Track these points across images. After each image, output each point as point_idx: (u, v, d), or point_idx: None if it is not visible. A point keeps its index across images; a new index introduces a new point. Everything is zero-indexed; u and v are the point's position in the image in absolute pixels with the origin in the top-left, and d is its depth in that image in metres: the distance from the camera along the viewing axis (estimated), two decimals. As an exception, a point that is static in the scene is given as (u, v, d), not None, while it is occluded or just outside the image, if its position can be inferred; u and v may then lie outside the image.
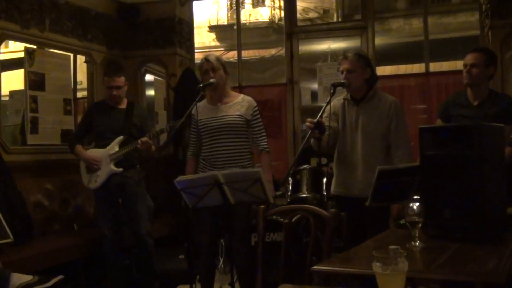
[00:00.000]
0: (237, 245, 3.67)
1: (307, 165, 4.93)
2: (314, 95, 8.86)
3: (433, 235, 2.34)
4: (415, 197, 2.28)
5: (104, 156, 4.41)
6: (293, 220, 2.84)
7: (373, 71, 3.65)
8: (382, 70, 9.21)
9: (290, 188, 4.87)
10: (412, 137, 3.56)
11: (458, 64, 8.46)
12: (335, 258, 2.26)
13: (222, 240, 4.33)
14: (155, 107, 6.50)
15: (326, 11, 13.33)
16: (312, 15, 12.94)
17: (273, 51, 12.79)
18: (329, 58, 11.20)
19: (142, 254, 4.56)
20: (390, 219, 3.48)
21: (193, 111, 3.84)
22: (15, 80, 5.91)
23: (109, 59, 5.97)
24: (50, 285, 3.26)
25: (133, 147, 4.33)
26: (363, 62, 3.55)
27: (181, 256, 5.15)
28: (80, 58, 5.83)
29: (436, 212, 2.33)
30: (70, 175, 4.73)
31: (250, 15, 14.12)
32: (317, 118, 3.32)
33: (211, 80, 3.74)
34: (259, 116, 3.85)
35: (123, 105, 4.57)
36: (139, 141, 4.27)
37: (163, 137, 5.57)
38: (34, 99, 5.02)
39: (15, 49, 6.14)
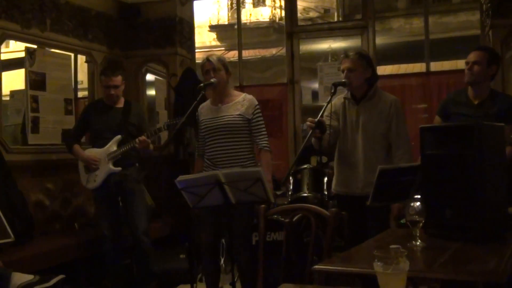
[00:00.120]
0: (238, 244, 3.67)
1: (308, 165, 4.93)
2: (314, 94, 8.87)
3: (434, 234, 2.34)
4: (416, 196, 2.28)
5: (103, 156, 4.40)
6: (294, 219, 2.84)
7: (374, 71, 3.65)
8: (383, 70, 9.22)
9: (291, 187, 4.87)
10: (412, 137, 3.56)
11: (458, 64, 8.50)
12: (336, 257, 2.26)
13: (223, 240, 4.33)
14: (156, 107, 6.50)
15: (326, 11, 13.32)
16: (312, 14, 12.93)
17: (273, 51, 12.79)
18: (329, 58, 11.20)
19: (138, 253, 4.52)
20: (391, 219, 3.48)
21: (198, 112, 3.88)
22: (16, 80, 5.93)
23: (109, 59, 5.97)
24: (51, 284, 3.26)
25: (131, 146, 4.32)
26: (364, 61, 3.55)
27: (182, 256, 5.16)
28: (81, 58, 5.84)
29: (437, 212, 2.33)
30: (71, 174, 4.73)
31: (251, 14, 14.11)
32: (317, 118, 3.32)
33: (212, 80, 3.74)
34: (260, 114, 3.83)
35: (120, 104, 4.55)
36: (137, 140, 4.26)
37: (164, 137, 5.57)
38: (35, 99, 5.02)
39: (15, 49, 6.16)
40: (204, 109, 3.90)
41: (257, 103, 3.84)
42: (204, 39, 13.86)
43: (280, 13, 13.52)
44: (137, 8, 6.27)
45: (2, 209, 3.85)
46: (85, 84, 6.07)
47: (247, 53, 11.25)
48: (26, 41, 5.00)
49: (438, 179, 2.36)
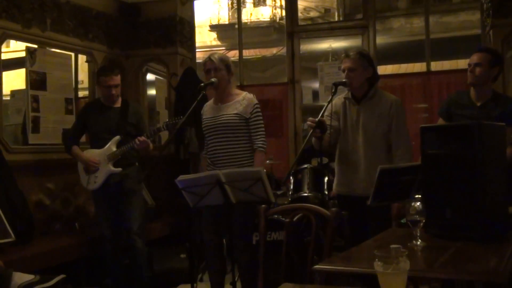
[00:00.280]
0: (238, 243, 3.67)
1: (308, 165, 4.93)
2: (315, 94, 8.87)
3: (434, 234, 2.34)
4: (416, 196, 2.28)
5: (102, 157, 4.36)
6: (295, 219, 2.84)
7: (375, 70, 3.65)
8: (383, 69, 9.22)
9: (291, 187, 4.87)
10: (413, 136, 3.56)
11: (459, 63, 8.52)
12: (337, 257, 2.26)
13: (224, 240, 4.33)
14: (156, 107, 6.51)
15: (327, 10, 13.30)
16: (313, 14, 12.92)
17: (274, 51, 12.77)
18: (330, 57, 11.19)
19: (131, 253, 4.43)
20: (392, 218, 3.48)
21: (202, 110, 3.90)
22: (16, 79, 5.93)
23: (110, 58, 5.97)
24: (52, 284, 3.26)
25: (131, 146, 4.29)
26: (364, 61, 3.55)
27: (182, 255, 5.15)
28: (81, 58, 5.84)
29: (438, 211, 2.33)
30: (71, 174, 4.72)
31: (251, 14, 14.09)
32: (318, 117, 3.32)
33: (212, 80, 3.75)
34: (258, 114, 3.81)
35: (118, 104, 4.50)
36: (136, 140, 4.23)
37: (164, 137, 5.57)
38: (35, 99, 5.02)
39: (16, 48, 6.16)
40: (207, 107, 3.93)
41: (256, 102, 3.83)
42: (205, 38, 13.85)
43: (280, 13, 13.50)
44: (138, 8, 6.27)
45: (2, 209, 3.85)
46: (86, 84, 6.07)
47: (247, 53, 11.23)
48: (26, 41, 5.00)
49: (439, 179, 2.36)
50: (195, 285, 4.15)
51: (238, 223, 3.66)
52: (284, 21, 7.25)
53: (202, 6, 11.75)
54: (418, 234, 2.20)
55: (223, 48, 12.90)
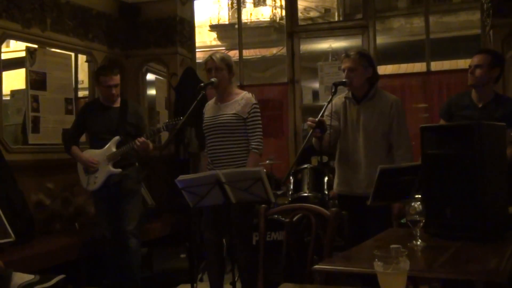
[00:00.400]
0: (238, 243, 3.67)
1: (308, 164, 4.93)
2: (315, 94, 8.88)
3: (434, 234, 2.34)
4: (417, 196, 2.28)
5: (102, 157, 4.33)
6: (294, 219, 2.84)
7: (375, 70, 3.64)
8: (383, 69, 9.23)
9: (291, 187, 4.88)
10: (413, 136, 3.56)
11: (459, 63, 8.53)
12: (337, 257, 2.26)
13: (224, 239, 4.33)
14: (156, 106, 6.51)
15: (327, 10, 13.31)
16: (313, 14, 12.92)
17: (274, 50, 12.78)
18: (330, 57, 11.21)
19: (124, 252, 4.36)
20: (393, 218, 3.48)
21: (204, 109, 3.90)
22: (16, 79, 5.93)
23: (110, 58, 5.97)
24: (52, 284, 3.26)
25: (130, 147, 4.27)
26: (365, 60, 3.54)
27: (182, 255, 5.16)
28: (81, 58, 5.84)
29: (438, 211, 2.33)
30: (71, 174, 4.71)
31: (251, 14, 14.10)
32: (318, 117, 3.32)
33: (212, 79, 3.75)
34: (256, 114, 3.79)
35: (117, 104, 4.47)
36: (136, 141, 4.21)
37: (164, 137, 5.56)
38: (35, 99, 5.02)
39: (16, 48, 6.17)
40: (208, 107, 3.94)
41: (254, 102, 3.81)
42: (205, 38, 13.85)
43: (280, 13, 13.51)
44: (138, 8, 6.27)
45: (2, 208, 3.85)
46: (86, 84, 6.08)
47: (247, 53, 11.24)
48: (26, 41, 5.00)
49: (439, 178, 2.36)
50: (195, 285, 4.15)
51: (238, 223, 3.66)
52: (284, 21, 7.25)
53: (202, 6, 11.77)
54: (418, 234, 2.20)
55: (223, 48, 12.90)
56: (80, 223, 5.20)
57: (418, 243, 2.18)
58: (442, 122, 3.76)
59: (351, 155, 3.60)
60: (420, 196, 2.37)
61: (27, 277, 3.20)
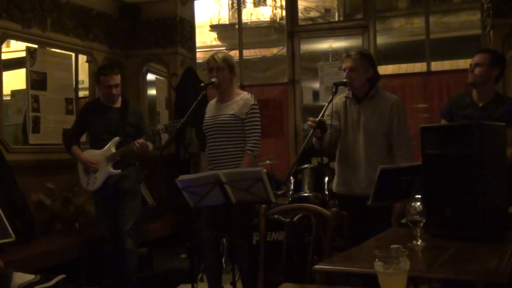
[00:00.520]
0: (238, 243, 3.67)
1: (308, 165, 4.93)
2: (315, 94, 8.87)
3: (434, 234, 2.34)
4: (417, 196, 2.27)
5: (101, 158, 4.33)
6: (295, 219, 2.84)
7: (376, 70, 3.64)
8: (384, 69, 9.23)
9: (292, 187, 4.88)
10: (413, 136, 3.56)
11: (459, 63, 8.53)
12: (337, 257, 2.26)
13: (224, 240, 4.33)
14: (157, 107, 6.51)
15: (327, 10, 13.32)
16: (313, 14, 12.93)
17: (274, 51, 12.78)
18: (330, 57, 11.21)
19: (120, 253, 4.34)
20: (392, 218, 3.48)
21: (206, 109, 3.91)
22: (16, 79, 5.93)
23: (110, 58, 5.97)
24: (52, 284, 3.26)
25: (130, 149, 4.25)
26: (366, 61, 3.54)
27: (182, 256, 5.16)
28: (82, 58, 5.85)
29: (438, 211, 2.33)
30: (72, 174, 4.72)
31: (252, 14, 14.11)
32: (318, 117, 3.32)
33: (212, 79, 3.74)
34: (254, 115, 3.76)
35: (118, 104, 4.46)
36: (135, 143, 4.19)
37: (165, 137, 5.56)
38: (35, 99, 5.03)
39: (16, 48, 6.16)
40: (210, 106, 3.93)
41: (253, 102, 3.78)
42: (205, 38, 13.86)
43: (281, 13, 13.51)
44: (138, 8, 6.28)
45: (2, 208, 3.85)
46: (86, 84, 6.08)
47: (247, 53, 11.24)
48: (27, 41, 5.00)
49: (439, 178, 2.36)
50: (195, 285, 4.14)
51: (238, 223, 3.66)
52: (284, 21, 7.25)
53: (203, 6, 11.76)
54: (418, 234, 2.20)
55: (223, 48, 12.91)
56: (80, 223, 5.20)
57: (418, 243, 2.18)
58: (443, 122, 3.76)
59: (351, 155, 3.60)
60: (420, 196, 2.37)
61: (28, 277, 3.20)
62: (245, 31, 7.54)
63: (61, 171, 5.07)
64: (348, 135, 3.61)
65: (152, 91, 6.71)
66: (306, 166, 4.90)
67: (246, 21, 12.98)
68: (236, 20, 9.23)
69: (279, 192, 5.15)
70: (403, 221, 3.10)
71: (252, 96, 3.83)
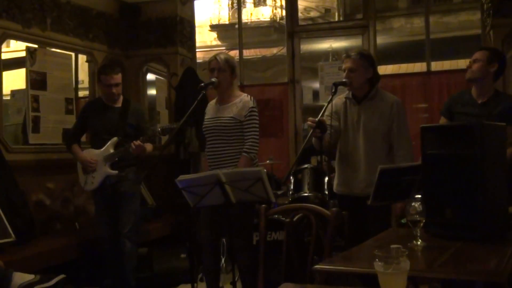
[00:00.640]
0: (238, 243, 3.67)
1: (308, 164, 4.93)
2: (315, 94, 8.89)
3: (434, 234, 2.34)
4: (417, 196, 2.27)
5: (100, 158, 4.32)
6: (295, 219, 2.84)
7: (376, 71, 3.64)
8: (384, 69, 9.23)
9: (292, 187, 4.88)
10: (413, 136, 3.56)
11: (459, 63, 8.52)
12: (337, 257, 2.26)
13: (224, 239, 4.33)
14: (157, 106, 6.51)
15: (327, 10, 13.32)
16: (313, 14, 12.93)
17: (274, 50, 12.79)
18: (330, 57, 11.22)
19: (119, 254, 4.32)
20: (392, 218, 3.48)
21: (206, 110, 3.90)
22: (16, 79, 5.93)
23: (110, 58, 5.97)
24: (52, 284, 3.26)
25: (127, 150, 4.23)
26: (365, 61, 3.54)
27: (182, 255, 5.15)
28: (82, 58, 5.85)
29: (438, 211, 2.33)
30: (72, 174, 4.72)
31: (252, 14, 14.11)
32: (318, 117, 3.32)
33: (212, 79, 3.73)
34: (253, 117, 3.74)
35: (119, 104, 4.44)
36: (132, 145, 4.17)
37: (165, 137, 5.56)
38: (35, 98, 5.03)
39: (16, 48, 6.17)
40: (209, 107, 3.92)
41: (252, 105, 3.75)
42: (205, 38, 13.85)
43: (281, 13, 13.51)
44: (138, 8, 6.28)
45: (2, 209, 3.85)
46: (86, 84, 6.08)
47: (247, 53, 11.24)
48: (27, 41, 5.00)
49: (439, 178, 2.36)
50: (195, 285, 4.14)
51: (238, 223, 3.65)
52: (284, 21, 7.26)
53: (203, 6, 11.77)
54: (418, 234, 2.20)
55: (223, 48, 12.91)
56: (80, 223, 5.21)
57: (418, 243, 2.18)
58: (442, 119, 3.75)
59: (351, 155, 3.60)
60: (420, 196, 2.37)
61: (28, 277, 3.20)
62: (245, 31, 7.53)
63: (61, 171, 5.07)
64: (348, 136, 3.61)
65: (152, 91, 6.71)
66: (306, 166, 4.90)
67: (246, 21, 12.98)
68: (236, 20, 9.23)
69: (279, 192, 5.15)
70: (403, 221, 3.10)
71: (252, 98, 3.82)
